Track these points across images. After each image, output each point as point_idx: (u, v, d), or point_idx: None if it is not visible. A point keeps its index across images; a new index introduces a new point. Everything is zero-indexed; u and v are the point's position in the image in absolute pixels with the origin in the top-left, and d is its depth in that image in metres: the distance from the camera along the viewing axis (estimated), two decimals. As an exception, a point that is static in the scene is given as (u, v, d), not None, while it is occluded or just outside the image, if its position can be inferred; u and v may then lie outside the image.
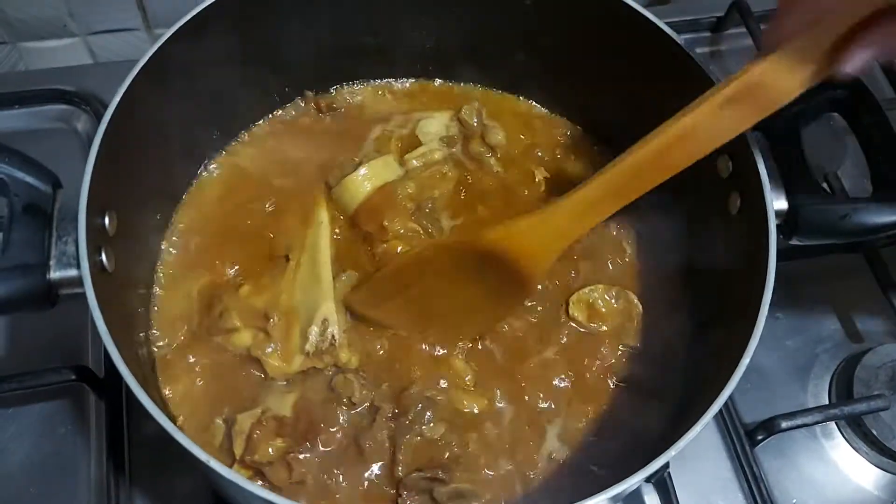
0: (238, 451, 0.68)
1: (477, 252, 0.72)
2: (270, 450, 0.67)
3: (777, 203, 0.68)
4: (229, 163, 0.87)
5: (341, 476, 0.69)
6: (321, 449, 0.70)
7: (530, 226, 0.70)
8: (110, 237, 0.65)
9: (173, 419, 0.69)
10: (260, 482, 0.68)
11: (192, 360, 0.74)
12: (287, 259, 0.79)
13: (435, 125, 0.90)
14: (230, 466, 0.67)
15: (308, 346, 0.72)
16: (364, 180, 0.81)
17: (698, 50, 1.11)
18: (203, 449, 0.54)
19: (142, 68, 0.68)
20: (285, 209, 0.83)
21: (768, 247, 0.65)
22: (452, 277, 0.74)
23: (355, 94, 0.93)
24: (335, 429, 0.71)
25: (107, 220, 0.65)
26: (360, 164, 0.82)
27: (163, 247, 0.81)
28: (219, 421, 0.71)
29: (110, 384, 0.81)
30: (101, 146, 0.63)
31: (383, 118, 0.91)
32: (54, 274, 0.61)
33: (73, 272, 0.61)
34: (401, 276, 0.75)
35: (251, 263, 0.80)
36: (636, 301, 0.80)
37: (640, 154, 0.65)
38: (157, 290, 0.79)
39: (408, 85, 0.94)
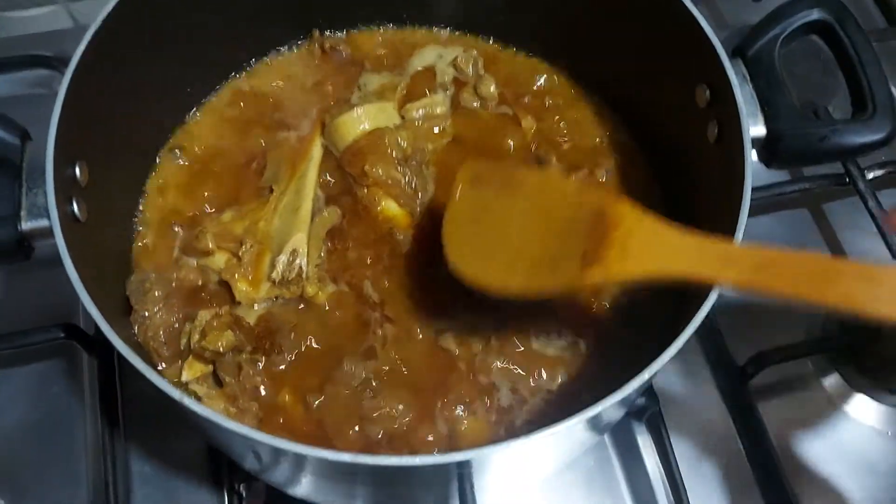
0: (193, 339, 0.69)
1: (588, 206, 0.65)
2: (222, 342, 0.68)
3: (755, 129, 0.67)
4: (217, 105, 0.87)
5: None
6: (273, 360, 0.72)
7: (654, 228, 0.63)
8: (82, 187, 0.66)
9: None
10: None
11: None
12: (271, 191, 0.80)
13: (432, 55, 0.90)
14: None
15: (274, 275, 0.73)
16: (356, 122, 0.81)
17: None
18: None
19: (110, 13, 0.67)
20: (277, 148, 0.83)
21: (745, 172, 0.64)
22: (542, 212, 0.68)
23: (361, 37, 0.92)
24: (290, 343, 0.72)
25: (77, 170, 0.65)
26: (356, 106, 0.82)
27: (144, 192, 0.81)
28: (187, 325, 0.72)
29: (101, 341, 0.81)
30: (67, 94, 0.63)
31: (387, 64, 0.90)
32: (25, 225, 0.62)
33: (44, 223, 0.61)
34: (510, 177, 0.70)
35: (237, 193, 0.81)
36: None
37: (803, 258, 0.57)
38: (138, 235, 0.79)
39: (413, 32, 0.93)
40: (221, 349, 0.68)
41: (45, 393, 0.82)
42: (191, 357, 0.70)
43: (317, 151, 0.82)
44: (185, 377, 0.70)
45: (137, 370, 0.57)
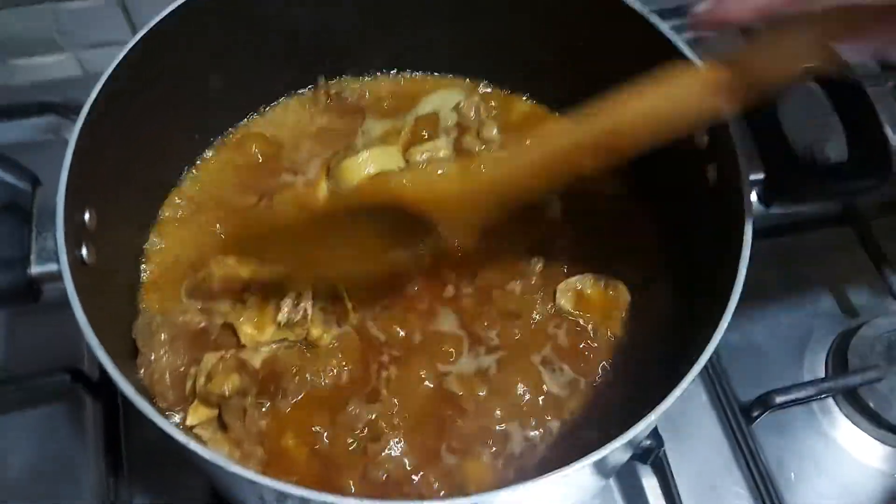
0: (199, 383, 0.70)
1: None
2: (227, 385, 0.69)
3: (753, 172, 0.68)
4: (224, 150, 0.89)
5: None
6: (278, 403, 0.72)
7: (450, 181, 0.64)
8: (91, 232, 0.66)
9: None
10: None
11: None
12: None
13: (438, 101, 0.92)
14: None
15: (280, 317, 0.73)
16: (362, 166, 0.82)
17: (684, 35, 1.12)
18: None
19: (121, 61, 0.69)
20: (282, 193, 0.85)
21: (745, 216, 0.65)
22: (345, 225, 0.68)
23: (364, 84, 0.94)
24: (295, 387, 0.72)
25: (87, 216, 0.66)
26: (361, 150, 0.83)
27: (151, 237, 0.82)
28: (193, 368, 0.72)
29: (105, 386, 0.82)
30: (78, 141, 0.64)
31: (391, 109, 0.92)
32: (35, 269, 0.63)
33: (53, 267, 0.62)
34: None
35: (242, 238, 0.80)
36: (625, 289, 0.79)
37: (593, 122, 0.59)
38: (144, 278, 0.80)
39: (416, 78, 0.95)
40: (227, 393, 0.68)
41: (50, 437, 0.82)
42: (196, 401, 0.70)
43: (322, 194, 0.83)
44: (190, 421, 0.70)
45: (142, 415, 0.57)
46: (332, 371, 0.74)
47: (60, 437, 0.82)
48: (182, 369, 0.72)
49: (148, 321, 0.73)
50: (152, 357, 0.71)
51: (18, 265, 0.62)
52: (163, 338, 0.72)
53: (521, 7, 0.84)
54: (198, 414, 0.70)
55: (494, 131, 0.89)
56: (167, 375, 0.71)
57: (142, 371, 0.72)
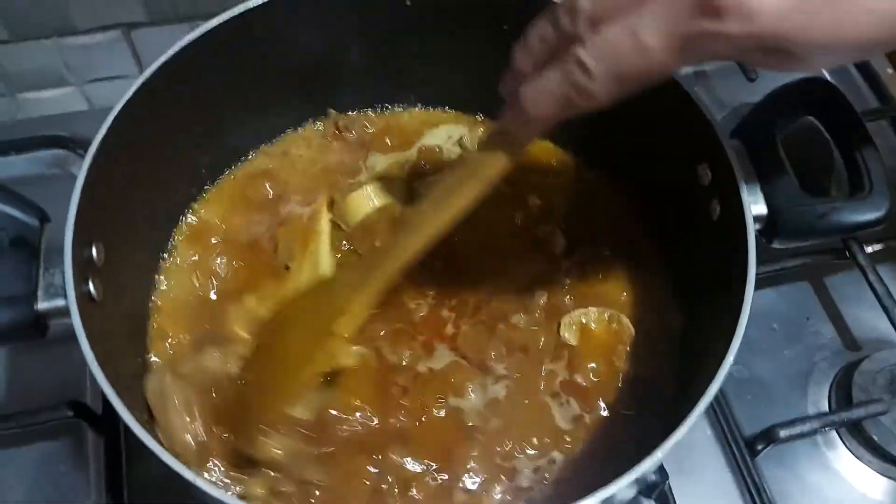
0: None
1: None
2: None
3: (756, 208, 0.69)
4: (228, 185, 0.89)
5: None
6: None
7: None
8: (98, 267, 0.67)
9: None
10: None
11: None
12: (287, 269, 0.81)
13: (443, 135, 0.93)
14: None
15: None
16: (367, 199, 0.83)
17: (682, 71, 1.13)
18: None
19: (129, 99, 0.70)
20: (287, 226, 0.85)
21: (748, 250, 0.65)
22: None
23: (370, 118, 0.95)
24: None
25: (94, 251, 0.67)
26: (365, 183, 0.84)
27: (158, 272, 0.82)
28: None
29: (108, 420, 0.81)
30: (86, 177, 0.65)
31: (395, 143, 0.93)
32: (42, 304, 0.63)
33: (60, 302, 0.62)
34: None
35: (253, 277, 0.82)
36: (629, 324, 0.79)
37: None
38: (153, 314, 0.80)
39: (421, 112, 0.96)
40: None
41: (51, 473, 0.81)
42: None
43: (325, 225, 0.83)
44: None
45: (145, 449, 0.56)
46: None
47: (61, 474, 0.81)
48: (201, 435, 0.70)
49: (160, 387, 0.71)
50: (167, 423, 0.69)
51: (25, 301, 0.62)
52: (176, 404, 0.70)
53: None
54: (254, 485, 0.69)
55: (496, 164, 0.89)
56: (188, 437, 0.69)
57: (160, 434, 0.69)
